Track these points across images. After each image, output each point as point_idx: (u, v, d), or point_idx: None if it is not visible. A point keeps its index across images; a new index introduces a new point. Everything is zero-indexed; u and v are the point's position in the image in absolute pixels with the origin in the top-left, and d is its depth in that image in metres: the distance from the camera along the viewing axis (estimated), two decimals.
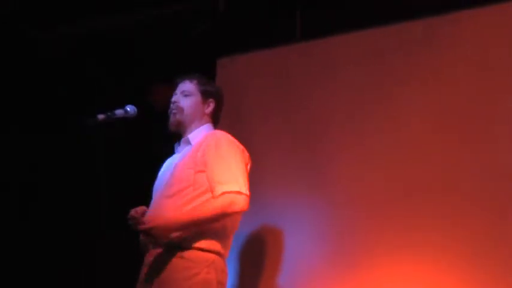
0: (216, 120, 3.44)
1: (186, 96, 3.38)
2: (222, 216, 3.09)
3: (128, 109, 3.33)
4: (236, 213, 3.13)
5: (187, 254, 3.08)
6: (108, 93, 4.37)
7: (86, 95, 4.53)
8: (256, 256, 3.98)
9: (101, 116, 3.22)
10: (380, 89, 3.86)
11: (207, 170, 3.15)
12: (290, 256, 3.89)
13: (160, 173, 3.39)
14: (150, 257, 3.15)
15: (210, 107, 3.39)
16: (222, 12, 4.17)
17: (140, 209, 3.17)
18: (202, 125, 3.36)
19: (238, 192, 3.09)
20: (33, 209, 4.65)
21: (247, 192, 3.12)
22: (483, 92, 3.58)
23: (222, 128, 3.78)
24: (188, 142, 3.31)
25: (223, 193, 3.08)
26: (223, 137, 3.26)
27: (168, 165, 3.36)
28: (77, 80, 4.64)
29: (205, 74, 4.27)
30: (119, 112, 3.30)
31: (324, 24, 4.06)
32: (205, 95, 3.40)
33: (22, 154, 4.63)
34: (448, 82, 3.69)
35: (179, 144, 3.38)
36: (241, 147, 3.28)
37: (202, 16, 4.31)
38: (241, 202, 3.09)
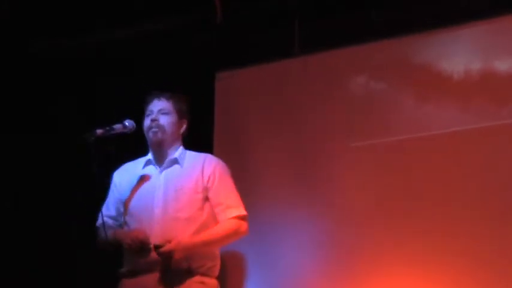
0: (183, 141, 3.43)
1: (164, 114, 3.35)
2: (234, 237, 3.23)
3: (127, 123, 3.32)
4: (243, 235, 3.26)
5: (207, 280, 3.18)
6: (106, 107, 4.36)
7: (84, 109, 4.53)
8: (256, 271, 3.97)
9: (99, 131, 3.22)
10: (380, 103, 3.87)
11: (211, 195, 3.24)
12: (288, 269, 3.88)
13: (142, 189, 3.33)
14: (155, 277, 3.13)
15: (183, 128, 3.39)
16: (220, 26, 4.18)
17: (139, 233, 3.13)
18: (179, 145, 3.38)
19: (245, 217, 3.24)
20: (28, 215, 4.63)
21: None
22: (484, 100, 3.60)
23: (221, 141, 3.79)
24: (175, 162, 3.31)
25: (234, 217, 3.21)
26: (221, 163, 3.36)
27: (154, 183, 3.31)
28: (75, 93, 4.64)
29: (203, 88, 4.31)
30: (118, 127, 3.30)
31: (322, 38, 4.07)
32: (180, 114, 3.39)
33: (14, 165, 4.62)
34: (447, 93, 3.70)
35: (157, 161, 3.34)
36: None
37: (200, 30, 4.32)
38: (246, 226, 3.24)
